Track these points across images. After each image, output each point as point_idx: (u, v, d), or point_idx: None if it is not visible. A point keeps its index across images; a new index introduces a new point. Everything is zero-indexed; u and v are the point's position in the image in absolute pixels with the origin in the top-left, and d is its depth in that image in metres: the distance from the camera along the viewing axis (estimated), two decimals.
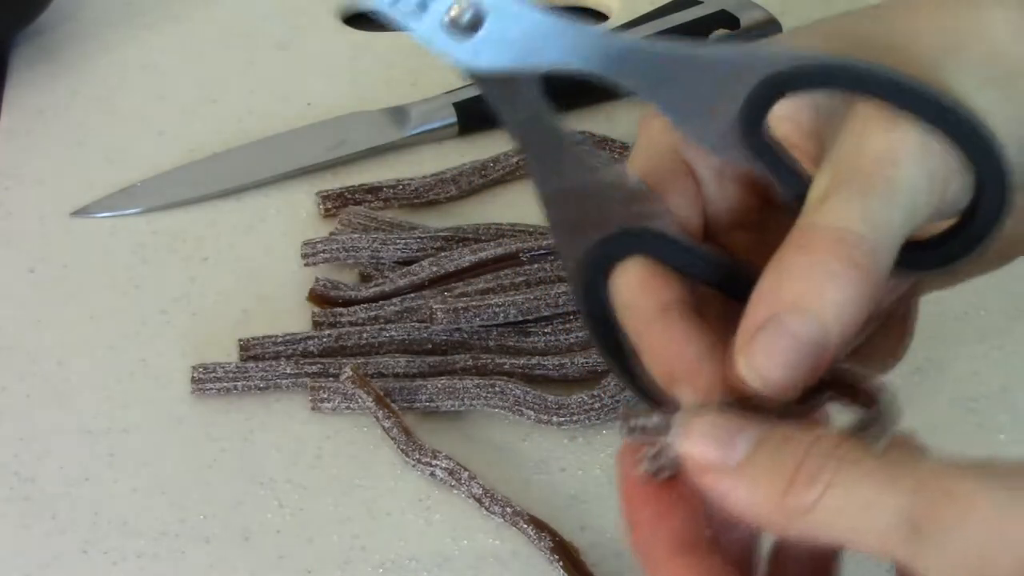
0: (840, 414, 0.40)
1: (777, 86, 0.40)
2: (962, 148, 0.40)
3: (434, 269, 0.62)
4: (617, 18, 0.79)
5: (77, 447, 0.57)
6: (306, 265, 0.64)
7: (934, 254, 0.43)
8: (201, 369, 0.59)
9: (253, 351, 0.60)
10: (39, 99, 0.73)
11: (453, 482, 0.55)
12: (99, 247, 0.66)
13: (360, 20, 0.81)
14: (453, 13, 0.40)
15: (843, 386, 0.40)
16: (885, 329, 0.46)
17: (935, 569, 0.34)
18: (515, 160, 0.69)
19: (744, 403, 0.39)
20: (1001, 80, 0.42)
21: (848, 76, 0.40)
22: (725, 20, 0.75)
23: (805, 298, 0.38)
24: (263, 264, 0.65)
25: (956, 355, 0.62)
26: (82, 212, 0.67)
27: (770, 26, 0.75)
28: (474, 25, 0.40)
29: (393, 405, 0.57)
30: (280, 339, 0.60)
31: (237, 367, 0.59)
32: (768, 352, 0.38)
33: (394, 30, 0.79)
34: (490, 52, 0.40)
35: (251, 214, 0.68)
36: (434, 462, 0.56)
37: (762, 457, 0.37)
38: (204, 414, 0.58)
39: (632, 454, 0.40)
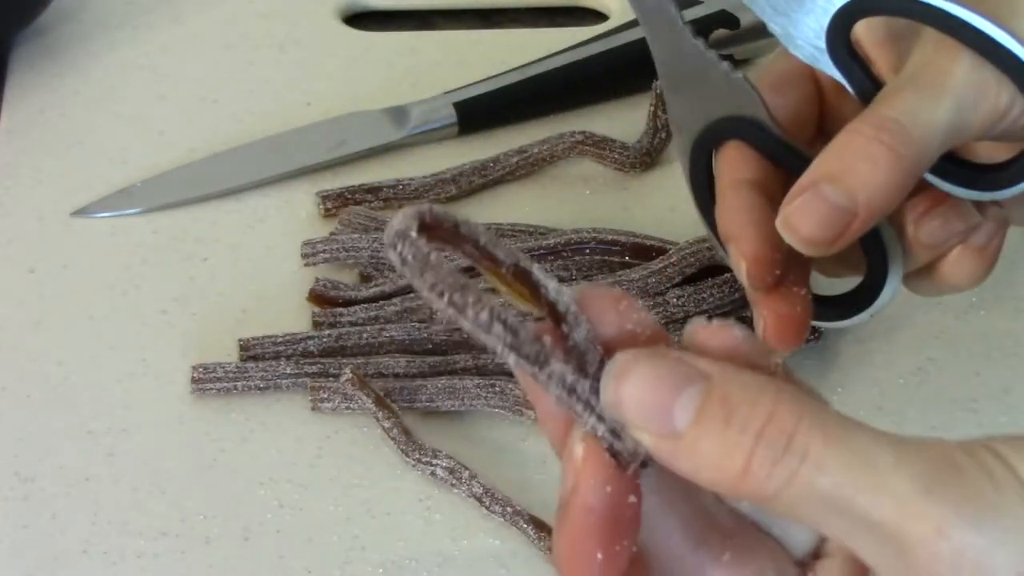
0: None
1: (854, 12, 0.48)
2: (1012, 78, 0.46)
3: None
4: (617, 18, 0.79)
5: (77, 447, 0.57)
6: (306, 265, 0.64)
7: None
8: (201, 369, 0.59)
9: (253, 351, 0.60)
10: (39, 99, 0.73)
11: (453, 481, 0.55)
12: (99, 247, 0.66)
13: (360, 20, 0.81)
14: None
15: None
16: (969, 252, 0.51)
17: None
18: (515, 160, 0.69)
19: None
20: None
21: (916, 8, 0.46)
22: (725, 20, 0.74)
23: (841, 172, 0.45)
24: (263, 264, 0.65)
25: (957, 355, 0.62)
26: (82, 212, 0.67)
27: None
28: None
29: (393, 406, 0.57)
30: (280, 339, 0.60)
31: (237, 367, 0.59)
32: (802, 211, 0.45)
33: (394, 30, 0.79)
34: None
35: (251, 214, 0.68)
36: (434, 462, 0.56)
37: (712, 421, 0.31)
38: (204, 414, 0.58)
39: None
